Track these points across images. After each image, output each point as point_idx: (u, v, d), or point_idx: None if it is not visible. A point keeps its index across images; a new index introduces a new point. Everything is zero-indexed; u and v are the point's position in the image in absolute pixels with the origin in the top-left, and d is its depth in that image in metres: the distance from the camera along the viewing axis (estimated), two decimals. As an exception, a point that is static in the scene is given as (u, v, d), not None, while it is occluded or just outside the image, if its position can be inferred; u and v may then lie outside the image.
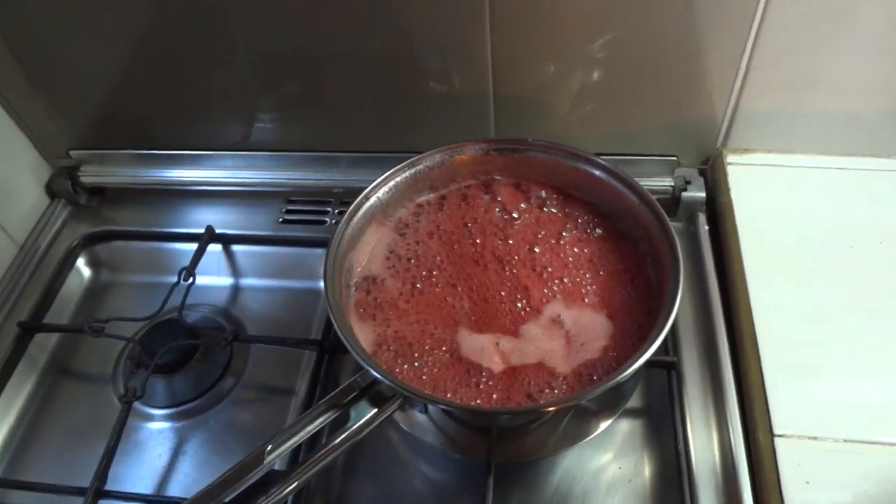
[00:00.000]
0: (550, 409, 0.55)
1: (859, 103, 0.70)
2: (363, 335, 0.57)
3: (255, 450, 0.49)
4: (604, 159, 0.63)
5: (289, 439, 0.50)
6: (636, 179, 0.61)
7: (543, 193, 0.66)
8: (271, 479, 0.50)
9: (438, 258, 0.62)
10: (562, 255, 0.62)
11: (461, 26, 0.67)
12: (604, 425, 0.61)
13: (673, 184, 0.77)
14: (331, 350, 0.69)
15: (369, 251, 0.63)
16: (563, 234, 0.64)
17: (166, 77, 0.76)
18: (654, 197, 0.59)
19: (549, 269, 0.61)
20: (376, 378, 0.50)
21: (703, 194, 0.76)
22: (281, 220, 0.82)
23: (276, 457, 0.49)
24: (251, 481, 0.49)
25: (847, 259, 0.67)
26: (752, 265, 0.67)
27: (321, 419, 0.51)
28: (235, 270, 0.81)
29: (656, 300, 0.57)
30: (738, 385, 0.62)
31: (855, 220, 0.70)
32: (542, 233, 0.64)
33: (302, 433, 0.51)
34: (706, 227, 0.75)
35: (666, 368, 0.64)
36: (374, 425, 0.51)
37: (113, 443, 0.62)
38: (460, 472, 0.62)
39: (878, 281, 0.66)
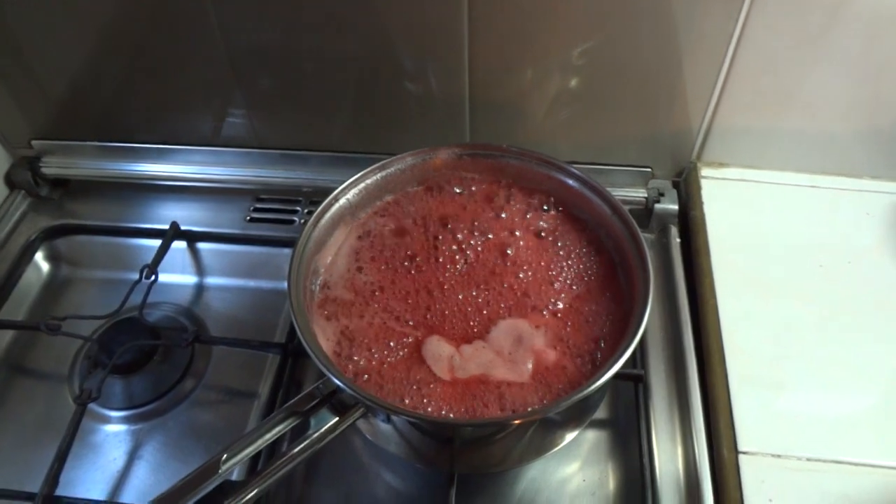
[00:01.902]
0: (517, 422, 0.55)
1: (833, 123, 0.71)
2: (326, 339, 0.56)
3: (210, 459, 0.48)
4: (577, 168, 0.63)
5: (245, 448, 0.49)
6: (609, 190, 0.61)
7: (513, 197, 0.65)
8: (227, 489, 0.48)
9: (404, 260, 0.61)
10: (529, 261, 0.61)
11: (440, 28, 0.67)
12: (570, 437, 0.60)
13: (646, 195, 0.77)
14: (294, 353, 0.68)
15: (335, 253, 0.62)
16: (529, 238, 0.63)
17: (137, 67, 0.75)
18: (626, 208, 0.59)
19: (517, 275, 0.60)
20: (338, 386, 0.49)
21: (675, 207, 0.76)
22: (248, 218, 0.81)
23: (231, 466, 0.48)
24: (206, 491, 0.47)
25: (816, 277, 0.68)
26: (722, 280, 0.67)
27: (280, 427, 0.50)
28: (200, 269, 0.79)
29: (625, 312, 0.57)
30: (704, 400, 0.62)
31: (825, 238, 0.71)
32: (508, 235, 0.63)
33: (259, 441, 0.50)
34: (678, 240, 0.75)
35: (633, 381, 0.64)
36: (335, 434, 0.50)
37: (65, 446, 0.60)
38: (423, 481, 0.61)
39: (846, 300, 0.66)
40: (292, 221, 0.80)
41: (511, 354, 0.55)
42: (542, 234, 0.63)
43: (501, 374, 0.54)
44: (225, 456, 0.48)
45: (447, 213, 0.64)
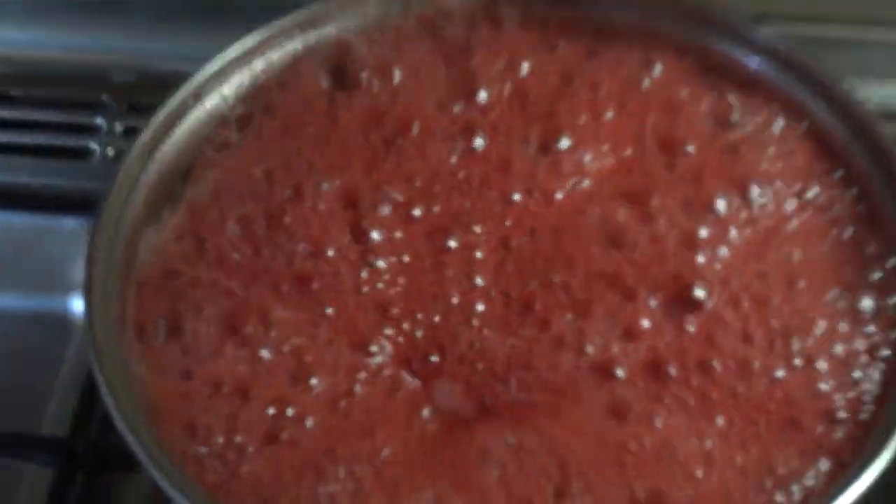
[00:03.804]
0: None
1: None
2: (172, 414, 0.52)
3: None
4: (771, 37, 0.63)
5: None
6: (843, 82, 0.60)
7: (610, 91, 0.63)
8: None
9: (346, 222, 0.57)
10: (655, 229, 0.57)
11: None
12: None
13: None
14: (93, 459, 0.68)
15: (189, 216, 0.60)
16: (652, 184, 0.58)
17: None
18: (882, 123, 0.59)
19: (630, 255, 0.56)
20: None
21: None
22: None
23: None
24: None
25: None
26: None
27: None
28: None
29: (876, 343, 0.53)
30: None
31: None
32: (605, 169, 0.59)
33: None
34: None
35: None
36: None
37: None
38: None
39: None
40: (88, 152, 0.79)
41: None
42: (682, 167, 0.59)
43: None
44: None
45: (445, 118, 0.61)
